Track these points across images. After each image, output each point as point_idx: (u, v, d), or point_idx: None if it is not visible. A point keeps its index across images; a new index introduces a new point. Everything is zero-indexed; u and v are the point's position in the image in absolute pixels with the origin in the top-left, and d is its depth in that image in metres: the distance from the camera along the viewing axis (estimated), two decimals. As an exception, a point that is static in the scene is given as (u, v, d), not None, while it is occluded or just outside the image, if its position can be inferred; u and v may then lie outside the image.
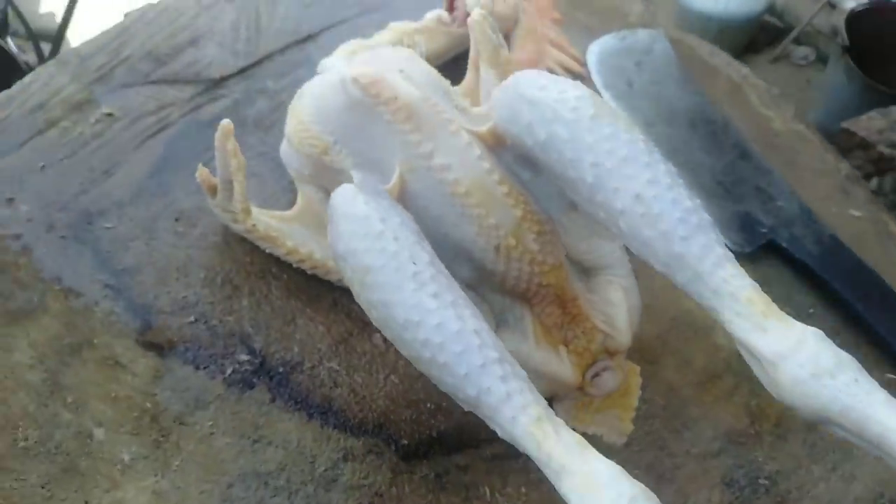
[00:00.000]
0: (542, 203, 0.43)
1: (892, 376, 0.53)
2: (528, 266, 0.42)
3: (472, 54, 0.54)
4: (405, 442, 0.46)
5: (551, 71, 0.67)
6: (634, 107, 0.66)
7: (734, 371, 0.52)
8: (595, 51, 0.70)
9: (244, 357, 0.48)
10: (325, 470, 0.44)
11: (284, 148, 0.52)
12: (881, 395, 0.30)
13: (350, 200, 0.38)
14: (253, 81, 0.63)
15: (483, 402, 0.33)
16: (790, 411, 0.33)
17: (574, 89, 0.38)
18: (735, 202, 0.60)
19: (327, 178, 0.49)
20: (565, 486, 0.31)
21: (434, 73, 0.47)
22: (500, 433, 0.33)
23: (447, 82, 0.48)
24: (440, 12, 0.64)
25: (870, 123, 1.25)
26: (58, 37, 1.34)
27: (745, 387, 0.51)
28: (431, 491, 0.45)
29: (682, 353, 0.52)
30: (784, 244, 0.58)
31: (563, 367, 0.43)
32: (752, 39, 1.72)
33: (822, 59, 1.70)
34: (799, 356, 0.31)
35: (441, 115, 0.42)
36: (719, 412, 0.50)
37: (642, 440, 0.48)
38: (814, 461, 0.49)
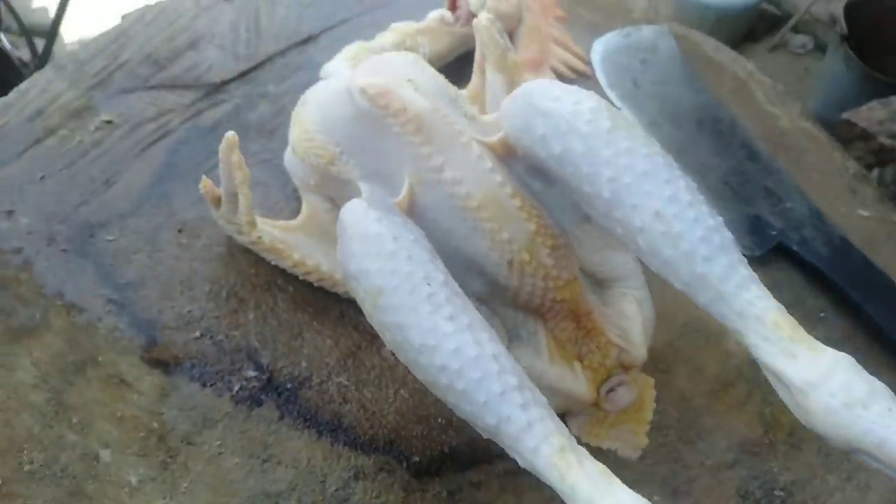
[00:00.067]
0: (555, 215, 0.42)
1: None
2: (542, 281, 0.41)
3: (477, 57, 0.53)
4: (416, 459, 0.45)
5: (555, 70, 0.66)
6: (640, 107, 0.65)
7: (747, 378, 0.51)
8: (599, 49, 0.69)
9: (251, 373, 0.47)
10: (336, 490, 0.44)
11: (289, 157, 0.51)
12: None
13: (361, 218, 0.37)
14: (254, 85, 0.62)
15: (503, 431, 0.32)
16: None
17: (589, 100, 0.37)
18: (744, 204, 0.59)
19: (333, 188, 0.48)
20: None
21: (441, 79, 0.46)
22: (520, 462, 0.32)
23: (455, 88, 0.47)
24: (443, 12, 0.63)
25: (870, 114, 1.24)
26: (51, 32, 1.32)
27: (757, 395, 0.51)
28: (444, 508, 0.44)
29: (694, 360, 0.52)
30: (794, 247, 0.57)
31: (578, 383, 0.42)
32: (750, 28, 1.71)
33: (820, 48, 1.69)
34: (830, 385, 0.30)
35: (451, 126, 0.41)
36: (733, 421, 0.49)
37: (656, 453, 0.47)
38: (829, 471, 0.48)
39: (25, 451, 0.43)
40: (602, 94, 0.65)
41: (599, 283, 0.45)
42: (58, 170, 0.54)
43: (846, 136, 1.23)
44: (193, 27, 0.65)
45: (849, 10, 1.43)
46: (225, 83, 0.61)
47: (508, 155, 0.42)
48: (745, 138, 0.64)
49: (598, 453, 0.44)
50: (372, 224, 0.36)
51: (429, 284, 0.34)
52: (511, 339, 0.43)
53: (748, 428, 0.49)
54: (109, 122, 0.58)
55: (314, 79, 0.57)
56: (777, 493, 0.47)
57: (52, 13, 1.34)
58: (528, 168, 0.42)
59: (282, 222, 0.50)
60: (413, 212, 0.41)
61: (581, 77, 0.67)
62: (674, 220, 0.34)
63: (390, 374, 0.48)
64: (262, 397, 0.46)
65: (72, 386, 0.45)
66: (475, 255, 0.41)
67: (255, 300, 0.50)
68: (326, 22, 0.67)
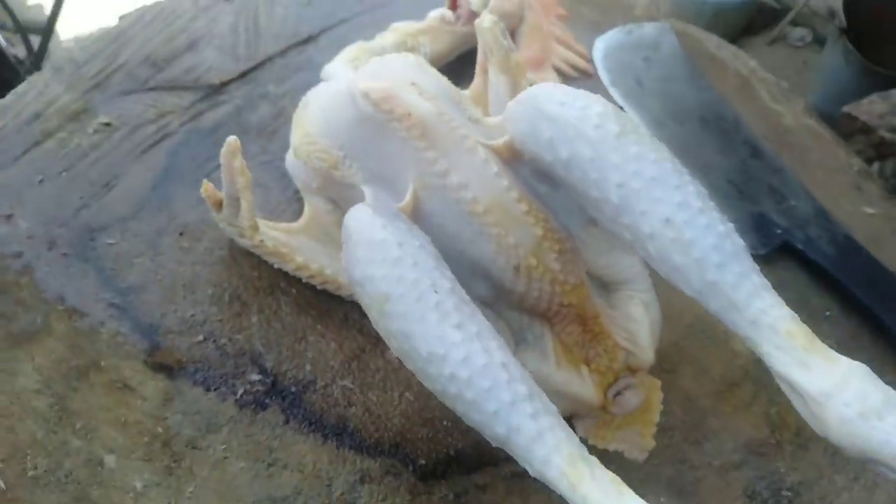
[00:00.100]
0: (561, 217, 0.42)
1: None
2: (549, 286, 0.41)
3: (479, 57, 0.53)
4: (422, 462, 0.45)
5: (557, 68, 0.66)
6: (643, 105, 0.65)
7: (752, 378, 0.51)
8: (601, 46, 0.69)
9: (255, 377, 0.47)
10: (342, 493, 0.43)
11: (291, 160, 0.50)
12: None
13: (366, 224, 0.36)
14: (254, 86, 0.61)
15: (513, 440, 0.32)
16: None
17: (596, 104, 0.37)
18: (748, 202, 0.59)
19: (336, 191, 0.47)
20: None
21: (444, 81, 0.46)
22: (530, 471, 0.32)
23: (458, 90, 0.46)
24: (443, 11, 0.63)
25: (871, 107, 1.24)
26: (47, 30, 1.31)
27: (763, 395, 0.50)
28: (451, 512, 0.44)
29: (700, 361, 0.51)
30: (799, 245, 0.57)
31: (586, 387, 0.42)
32: (748, 21, 1.71)
33: (819, 41, 1.68)
34: (845, 395, 0.30)
35: (456, 130, 0.41)
36: (739, 422, 0.49)
37: (663, 453, 0.47)
38: (836, 471, 0.48)
39: (29, 457, 0.43)
40: (604, 93, 0.65)
41: (605, 286, 0.45)
42: (57, 173, 0.54)
43: (847, 129, 1.22)
44: (192, 28, 0.65)
45: (847, 3, 1.42)
46: (224, 84, 0.61)
47: (514, 158, 0.41)
48: (748, 136, 0.64)
49: (605, 455, 0.45)
50: (377, 230, 0.36)
51: (436, 292, 0.34)
52: (517, 342, 0.43)
53: (754, 428, 0.49)
54: (108, 124, 0.57)
55: (314, 79, 0.57)
56: (784, 493, 0.47)
57: (47, 10, 1.34)
58: (533, 171, 0.42)
59: (284, 225, 0.50)
60: (417, 216, 0.41)
61: (583, 75, 0.67)
62: (685, 227, 0.33)
63: (395, 377, 0.48)
64: (267, 401, 0.46)
65: (75, 391, 0.45)
66: (481, 260, 0.41)
67: (258, 303, 0.50)
68: (326, 22, 0.67)
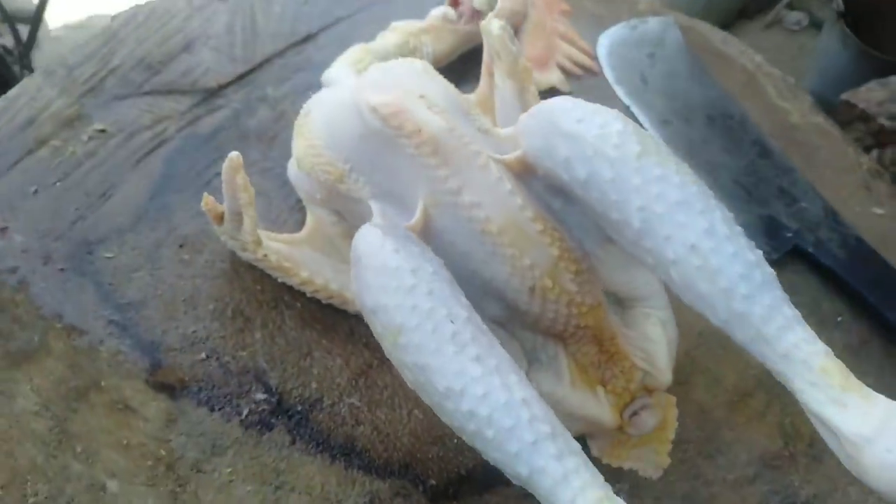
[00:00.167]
0: (576, 234, 0.41)
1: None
2: (565, 308, 0.39)
3: (485, 59, 0.51)
4: (433, 482, 0.44)
5: (561, 66, 0.65)
6: (649, 103, 0.63)
7: (765, 388, 0.50)
8: (605, 43, 0.68)
9: (260, 396, 0.46)
10: (353, 517, 0.43)
11: (294, 170, 0.49)
12: None
13: (377, 250, 0.35)
14: (252, 89, 0.60)
15: (536, 482, 0.31)
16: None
17: (616, 122, 0.35)
18: (758, 205, 0.58)
19: (341, 204, 0.46)
20: None
21: (452, 89, 0.44)
22: (553, 513, 0.31)
23: (466, 98, 0.45)
24: (445, 9, 0.61)
25: (869, 95, 1.23)
26: (35, 18, 1.29)
27: (776, 404, 0.50)
28: (463, 534, 0.43)
29: (712, 371, 0.51)
30: (810, 249, 0.56)
31: (602, 409, 0.41)
32: (744, 5, 1.69)
33: (815, 25, 1.67)
34: (886, 439, 0.28)
35: (468, 146, 0.39)
36: (752, 434, 0.48)
37: (677, 469, 0.46)
38: (850, 483, 0.47)
39: (30, 483, 0.42)
40: (609, 90, 0.64)
41: (621, 302, 0.44)
42: (51, 183, 0.53)
43: (845, 117, 1.21)
44: (187, 28, 0.63)
45: (845, -13, 1.41)
46: (222, 87, 0.59)
47: (526, 172, 0.40)
48: (756, 135, 0.63)
49: (619, 472, 0.44)
50: (389, 256, 0.35)
51: (452, 322, 0.33)
52: (530, 362, 0.41)
53: (768, 439, 0.48)
54: (103, 130, 0.56)
55: (314, 79, 0.56)
56: (799, 507, 0.46)
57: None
58: (547, 186, 0.40)
59: (286, 235, 0.49)
60: (428, 234, 0.39)
61: (588, 73, 0.65)
62: (711, 255, 0.32)
63: (403, 394, 0.47)
64: (273, 421, 0.45)
65: (75, 413, 0.44)
66: (494, 280, 0.39)
67: (261, 318, 0.48)
68: (324, 20, 0.65)
